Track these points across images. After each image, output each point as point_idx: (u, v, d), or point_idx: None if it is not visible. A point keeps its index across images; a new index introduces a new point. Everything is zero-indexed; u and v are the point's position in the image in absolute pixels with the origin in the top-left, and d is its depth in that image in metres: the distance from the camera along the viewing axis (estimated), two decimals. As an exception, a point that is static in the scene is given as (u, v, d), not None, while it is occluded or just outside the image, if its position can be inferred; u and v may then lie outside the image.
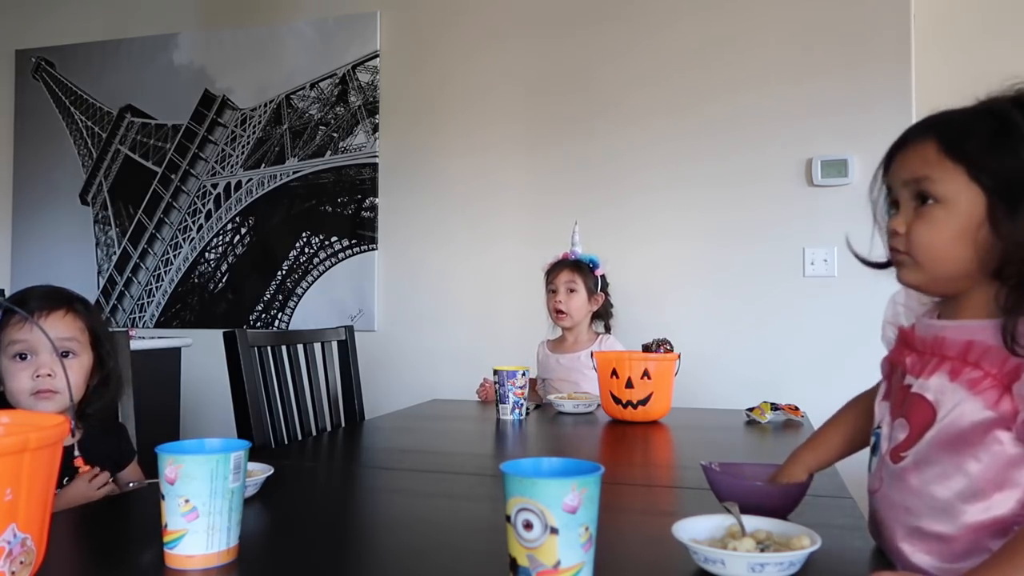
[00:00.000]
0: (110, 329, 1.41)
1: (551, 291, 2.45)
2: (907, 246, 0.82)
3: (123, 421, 1.52)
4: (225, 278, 3.34)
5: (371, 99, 3.18)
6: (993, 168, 0.78)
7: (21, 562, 0.67)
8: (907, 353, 0.88)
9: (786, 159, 2.72)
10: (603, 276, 2.48)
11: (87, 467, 1.25)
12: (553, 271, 2.46)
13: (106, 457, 1.35)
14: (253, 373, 1.68)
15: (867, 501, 0.93)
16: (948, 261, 0.80)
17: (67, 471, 1.27)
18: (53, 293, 1.31)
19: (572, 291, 2.41)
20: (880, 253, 0.91)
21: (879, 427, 0.90)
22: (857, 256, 0.94)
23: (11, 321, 1.26)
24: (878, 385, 0.97)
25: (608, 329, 2.53)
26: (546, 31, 3.00)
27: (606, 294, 2.49)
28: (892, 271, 0.90)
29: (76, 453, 1.26)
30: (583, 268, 2.43)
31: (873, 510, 0.90)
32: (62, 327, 1.27)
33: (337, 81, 3.22)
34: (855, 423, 1.00)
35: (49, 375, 1.24)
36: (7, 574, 0.66)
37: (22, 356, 1.25)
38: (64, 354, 1.26)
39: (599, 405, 1.97)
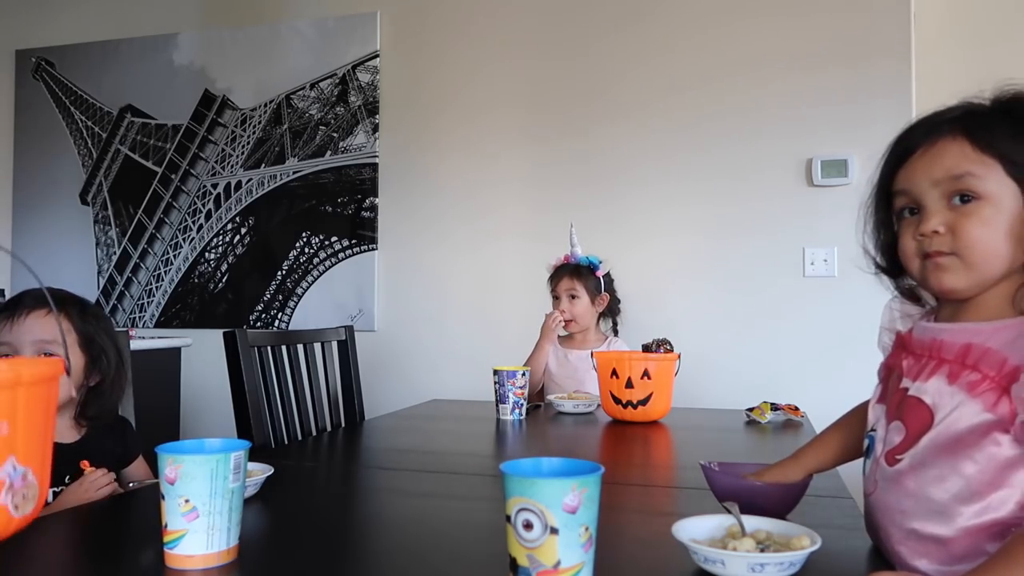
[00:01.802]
0: (114, 331, 1.40)
1: (554, 298, 2.46)
2: (954, 246, 0.80)
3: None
4: (225, 278, 3.34)
5: (371, 99, 3.18)
6: None
7: (24, 496, 0.66)
8: (904, 356, 0.87)
9: (786, 159, 2.72)
10: (607, 274, 2.48)
11: (92, 468, 1.25)
12: (554, 279, 2.47)
13: (111, 454, 1.36)
14: (253, 373, 1.68)
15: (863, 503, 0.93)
16: (999, 259, 0.79)
17: (70, 469, 1.27)
18: (44, 294, 1.31)
19: (574, 297, 2.42)
20: (878, 286, 0.91)
21: (873, 430, 0.90)
22: (876, 263, 0.91)
23: None
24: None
25: (615, 326, 2.53)
26: (546, 31, 3.00)
27: (611, 292, 2.50)
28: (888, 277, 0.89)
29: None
30: (583, 272, 2.43)
31: (869, 512, 0.90)
32: (42, 327, 1.26)
33: (337, 81, 3.22)
34: (859, 428, 0.99)
35: None
36: (10, 507, 0.66)
37: (5, 356, 1.25)
38: (47, 355, 1.26)
39: (599, 405, 1.97)
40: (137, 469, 1.41)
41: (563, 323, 2.42)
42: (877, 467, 0.87)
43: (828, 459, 1.03)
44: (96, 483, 1.23)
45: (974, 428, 0.77)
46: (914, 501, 0.81)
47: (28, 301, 1.29)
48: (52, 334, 1.27)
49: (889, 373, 0.91)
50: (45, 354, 1.26)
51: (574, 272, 2.43)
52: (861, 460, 0.95)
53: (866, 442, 0.91)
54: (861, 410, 1.00)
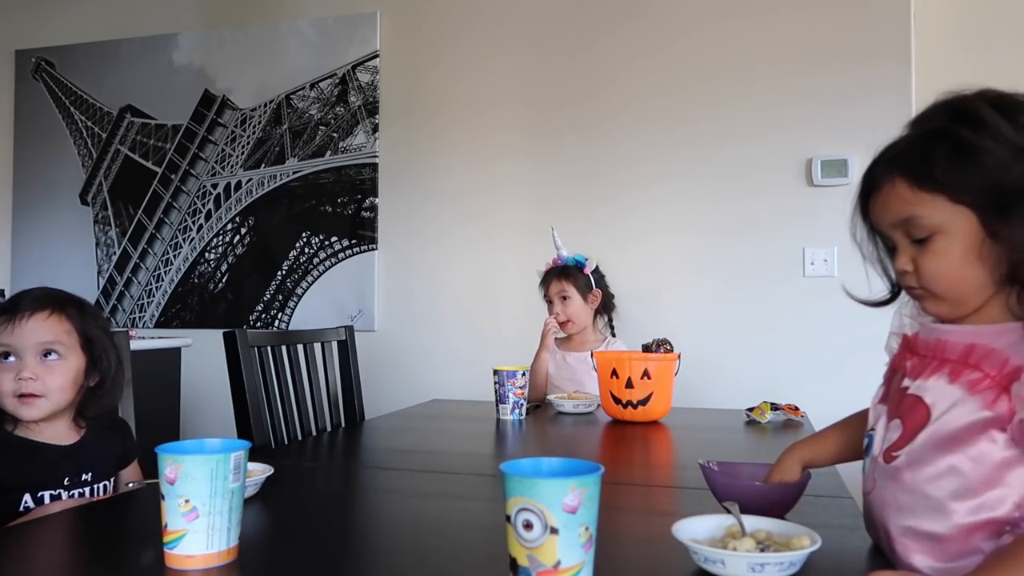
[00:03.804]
0: (111, 330, 1.40)
1: (548, 303, 2.46)
2: (920, 281, 0.82)
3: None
4: (225, 278, 3.34)
5: (371, 99, 3.17)
6: (968, 185, 0.78)
7: None
8: (908, 357, 0.88)
9: (786, 159, 2.72)
10: (595, 271, 2.48)
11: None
12: (544, 284, 2.47)
13: (109, 456, 1.35)
14: (253, 373, 1.68)
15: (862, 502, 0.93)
16: (964, 283, 0.80)
17: (68, 471, 1.26)
18: (43, 295, 1.30)
19: (565, 299, 2.42)
20: (876, 284, 0.92)
21: (873, 429, 0.90)
22: (859, 300, 0.94)
23: None
24: None
25: (611, 323, 2.53)
26: (547, 32, 3.00)
27: (603, 287, 2.50)
28: (893, 305, 0.91)
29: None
30: (571, 273, 2.43)
31: (867, 510, 0.91)
32: (45, 329, 1.25)
33: (337, 81, 3.22)
34: (860, 429, 0.99)
35: (32, 378, 1.23)
36: None
37: (5, 356, 1.24)
38: (47, 355, 1.25)
39: (599, 405, 1.97)
40: (130, 473, 1.40)
41: (559, 327, 2.42)
42: (875, 465, 0.87)
43: (824, 453, 1.03)
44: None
45: (971, 425, 0.77)
46: (910, 498, 0.81)
47: (28, 303, 1.27)
48: (55, 335, 1.27)
49: (893, 374, 0.91)
50: (46, 354, 1.25)
51: (561, 273, 2.44)
52: (861, 460, 0.96)
53: (866, 440, 0.92)
54: (863, 413, 1.01)
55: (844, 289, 0.96)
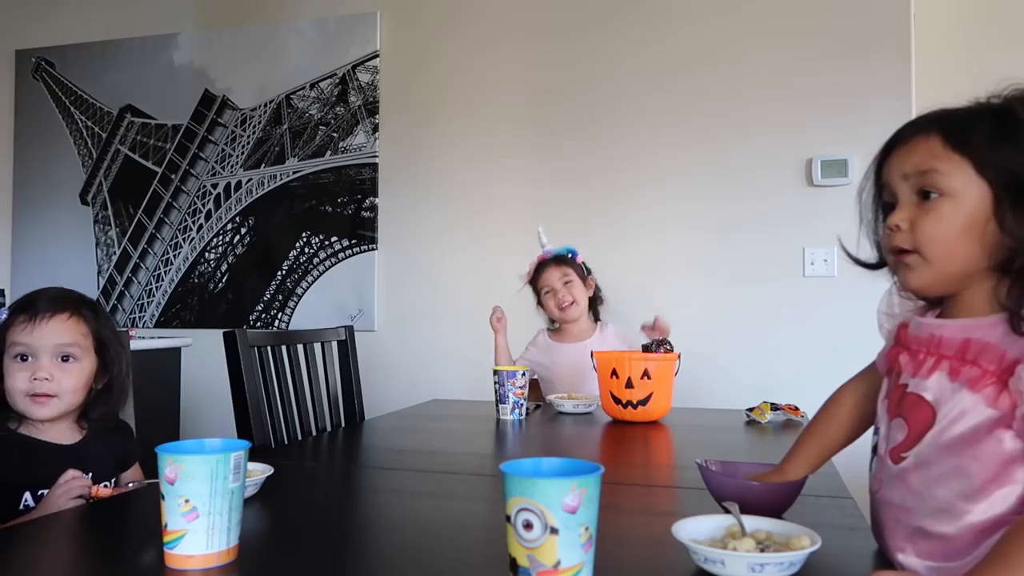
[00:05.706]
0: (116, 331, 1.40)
1: (548, 292, 2.42)
2: (913, 242, 0.81)
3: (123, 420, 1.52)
4: (225, 278, 3.34)
5: (371, 99, 3.17)
6: (999, 162, 0.78)
7: None
8: (900, 352, 0.88)
9: (786, 159, 2.72)
10: (583, 263, 2.48)
11: (97, 489, 1.23)
12: (539, 274, 2.44)
13: (110, 456, 1.35)
14: (253, 373, 1.68)
15: (868, 502, 0.93)
16: (956, 257, 0.79)
17: (53, 473, 1.25)
18: (61, 296, 1.30)
19: (568, 282, 2.40)
20: (866, 254, 0.91)
21: (878, 427, 0.90)
22: (851, 257, 0.93)
23: (15, 321, 1.26)
24: (851, 381, 1.00)
25: (597, 316, 2.51)
26: (547, 31, 3.00)
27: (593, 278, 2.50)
28: (885, 271, 0.90)
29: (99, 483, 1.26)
30: (566, 259, 2.43)
31: (874, 511, 0.90)
32: (64, 331, 1.26)
33: (337, 81, 3.22)
34: (832, 426, 1.01)
35: (47, 379, 1.23)
36: None
37: (23, 358, 1.24)
38: (64, 358, 1.26)
39: (599, 405, 1.97)
40: (131, 475, 1.40)
41: (561, 313, 2.39)
42: (883, 465, 0.87)
43: (812, 466, 1.02)
44: (69, 492, 1.18)
45: (979, 426, 0.77)
46: (919, 499, 0.81)
47: (46, 303, 1.27)
48: (73, 338, 1.27)
49: (890, 370, 0.91)
50: (63, 357, 1.26)
51: (559, 260, 2.42)
52: (860, 460, 0.96)
53: (873, 439, 0.92)
54: (828, 409, 1.02)
55: (840, 243, 0.94)
